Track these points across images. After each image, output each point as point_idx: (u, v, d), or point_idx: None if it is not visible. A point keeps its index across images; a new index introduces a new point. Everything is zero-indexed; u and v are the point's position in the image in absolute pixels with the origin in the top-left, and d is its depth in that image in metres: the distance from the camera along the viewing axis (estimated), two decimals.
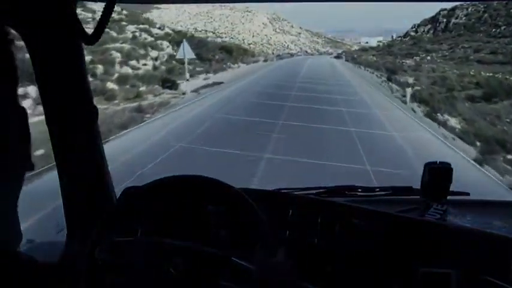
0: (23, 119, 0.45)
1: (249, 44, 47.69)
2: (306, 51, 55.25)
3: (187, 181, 0.97)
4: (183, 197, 0.97)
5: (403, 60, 45.49)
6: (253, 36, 51.74)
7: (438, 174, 1.24)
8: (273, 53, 49.30)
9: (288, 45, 54.67)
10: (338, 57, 60.46)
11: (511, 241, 0.99)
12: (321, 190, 1.30)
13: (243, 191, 0.92)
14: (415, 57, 48.10)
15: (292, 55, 54.82)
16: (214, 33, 47.83)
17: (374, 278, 1.03)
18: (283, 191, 1.26)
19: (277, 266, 0.81)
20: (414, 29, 52.08)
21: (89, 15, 18.03)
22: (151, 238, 0.87)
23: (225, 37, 48.46)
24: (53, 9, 0.89)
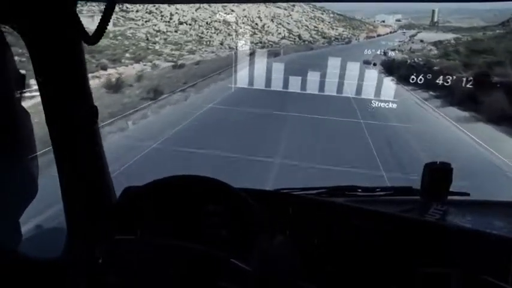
0: (25, 120, 0.45)
1: (177, 24, 24.43)
2: (299, 37, 28.56)
3: (187, 181, 0.97)
4: (183, 197, 0.97)
5: None
6: (196, 9, 26.40)
7: (438, 174, 1.24)
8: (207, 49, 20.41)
9: (265, 25, 28.32)
10: None
11: (511, 241, 0.99)
12: (321, 190, 1.30)
13: (242, 191, 0.92)
14: None
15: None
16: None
17: (374, 278, 1.03)
18: (283, 191, 1.26)
19: (277, 266, 0.81)
20: None
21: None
22: (152, 238, 0.87)
23: (134, 10, 24.71)
24: (53, 9, 0.89)
